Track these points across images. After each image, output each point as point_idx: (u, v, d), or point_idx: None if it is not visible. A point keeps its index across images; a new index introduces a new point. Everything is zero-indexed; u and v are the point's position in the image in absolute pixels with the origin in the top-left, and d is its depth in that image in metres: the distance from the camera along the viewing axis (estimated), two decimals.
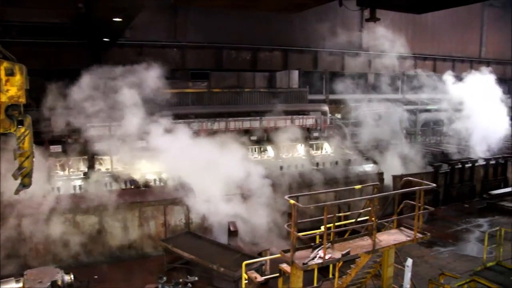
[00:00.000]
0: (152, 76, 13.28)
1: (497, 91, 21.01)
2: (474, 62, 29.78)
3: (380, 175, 15.72)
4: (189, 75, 19.29)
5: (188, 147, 12.68)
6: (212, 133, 15.80)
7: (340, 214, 8.61)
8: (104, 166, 14.27)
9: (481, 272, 9.62)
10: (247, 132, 16.81)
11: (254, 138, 16.60)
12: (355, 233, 7.69)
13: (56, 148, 13.60)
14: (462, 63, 29.29)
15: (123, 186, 13.32)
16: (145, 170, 13.98)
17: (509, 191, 18.33)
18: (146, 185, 13.45)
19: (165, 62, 19.22)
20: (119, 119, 12.76)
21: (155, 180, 13.82)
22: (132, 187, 13.34)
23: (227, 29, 20.20)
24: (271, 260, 9.49)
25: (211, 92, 18.24)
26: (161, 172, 13.98)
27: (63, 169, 13.86)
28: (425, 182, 8.10)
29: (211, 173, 12.39)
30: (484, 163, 19.43)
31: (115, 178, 13.57)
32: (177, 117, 15.20)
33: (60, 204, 11.50)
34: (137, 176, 13.68)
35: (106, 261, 11.95)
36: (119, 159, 13.84)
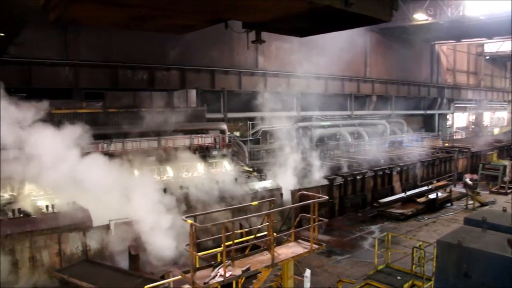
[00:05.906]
0: None
1: None
2: (360, 81, 32.19)
3: (279, 190, 16.13)
4: (83, 95, 18.54)
5: (83, 170, 12.09)
6: (108, 154, 15.21)
7: (240, 231, 8.73)
8: None
9: (373, 276, 10.35)
10: (145, 152, 16.43)
11: (152, 158, 16.26)
12: (256, 249, 7.85)
13: None
14: (351, 82, 31.48)
15: (10, 215, 12.27)
16: (36, 197, 13.00)
17: (395, 199, 19.83)
18: (37, 212, 12.52)
19: (57, 81, 18.42)
20: None
21: (47, 206, 12.91)
22: (21, 215, 12.34)
23: (122, 47, 19.72)
24: (174, 282, 9.33)
25: (106, 112, 17.66)
26: (54, 198, 13.11)
27: None
28: (318, 195, 8.51)
29: (109, 196, 11.92)
30: (373, 174, 20.88)
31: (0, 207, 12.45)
32: None
33: None
34: (26, 203, 12.68)
35: None
36: (3, 185, 12.73)
